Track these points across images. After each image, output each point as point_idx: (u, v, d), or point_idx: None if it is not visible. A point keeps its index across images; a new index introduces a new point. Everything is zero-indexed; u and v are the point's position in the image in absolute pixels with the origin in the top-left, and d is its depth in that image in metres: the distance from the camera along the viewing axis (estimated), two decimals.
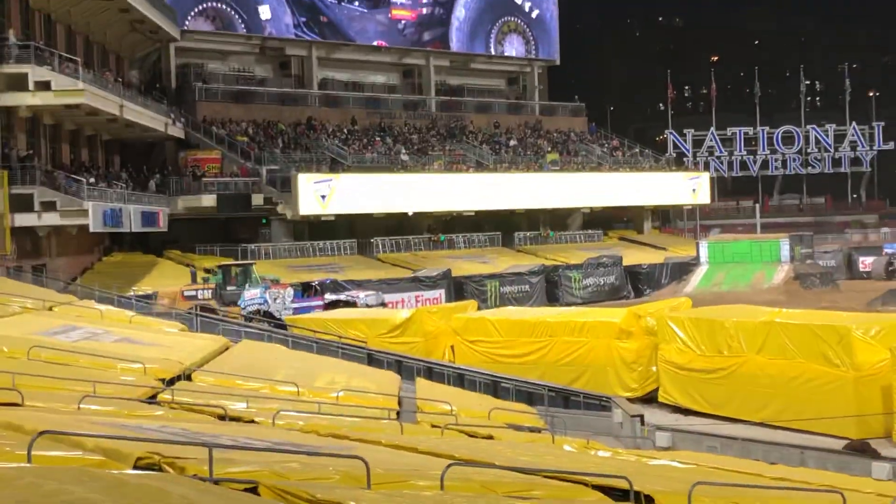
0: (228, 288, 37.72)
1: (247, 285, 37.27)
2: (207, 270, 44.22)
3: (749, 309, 29.02)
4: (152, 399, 15.34)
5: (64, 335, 20.85)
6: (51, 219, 36.32)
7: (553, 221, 63.40)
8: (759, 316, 26.22)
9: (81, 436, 8.28)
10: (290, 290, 36.65)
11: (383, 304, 37.72)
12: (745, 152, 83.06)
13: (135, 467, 7.43)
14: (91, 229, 37.15)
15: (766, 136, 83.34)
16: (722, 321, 25.70)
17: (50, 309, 25.61)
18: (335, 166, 53.35)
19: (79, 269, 41.57)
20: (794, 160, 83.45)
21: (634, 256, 58.50)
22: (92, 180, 39.27)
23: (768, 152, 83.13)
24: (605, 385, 26.35)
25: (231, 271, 38.29)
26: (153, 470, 7.43)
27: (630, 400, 24.80)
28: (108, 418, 11.54)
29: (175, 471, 7.44)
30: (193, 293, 36.85)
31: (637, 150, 71.73)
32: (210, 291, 36.79)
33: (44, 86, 35.79)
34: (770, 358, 24.14)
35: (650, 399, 26.48)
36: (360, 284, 41.54)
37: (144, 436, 8.88)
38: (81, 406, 12.42)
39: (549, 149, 65.78)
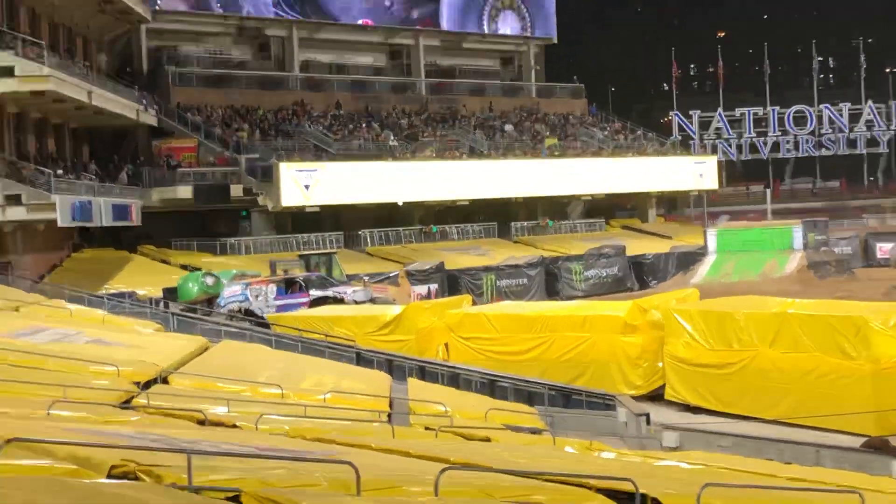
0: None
1: (225, 282, 37.17)
2: (184, 267, 44.22)
3: (760, 300, 29.07)
4: (127, 404, 15.32)
5: (32, 337, 20.84)
6: (16, 213, 36.25)
7: (552, 210, 63.43)
8: (770, 307, 26.24)
9: (52, 443, 8.28)
10: (273, 287, 36.58)
11: (372, 301, 37.65)
12: (754, 134, 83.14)
13: (109, 476, 7.43)
14: (59, 224, 37.08)
15: (776, 116, 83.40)
16: (732, 313, 25.72)
17: (16, 309, 25.58)
18: (319, 154, 53.34)
19: (47, 266, 41.49)
20: (807, 141, 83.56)
21: (638, 246, 58.54)
22: (59, 172, 39.20)
23: (779, 134, 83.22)
24: (608, 383, 26.35)
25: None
26: (129, 479, 7.43)
27: (635, 398, 24.79)
28: (80, 424, 11.53)
29: (152, 479, 7.45)
30: None
31: (640, 133, 71.79)
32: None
33: (7, 72, 35.69)
34: (783, 351, 24.17)
35: (656, 397, 26.49)
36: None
37: (119, 443, 8.88)
38: (51, 412, 12.40)
39: (547, 133, 65.79)
